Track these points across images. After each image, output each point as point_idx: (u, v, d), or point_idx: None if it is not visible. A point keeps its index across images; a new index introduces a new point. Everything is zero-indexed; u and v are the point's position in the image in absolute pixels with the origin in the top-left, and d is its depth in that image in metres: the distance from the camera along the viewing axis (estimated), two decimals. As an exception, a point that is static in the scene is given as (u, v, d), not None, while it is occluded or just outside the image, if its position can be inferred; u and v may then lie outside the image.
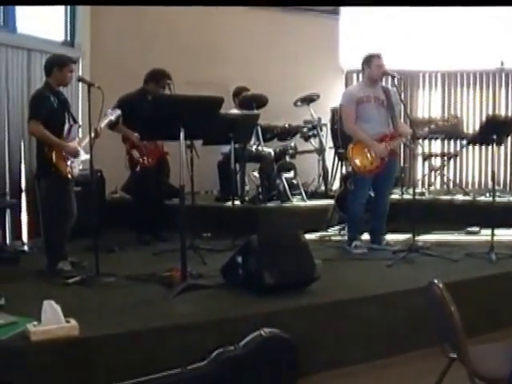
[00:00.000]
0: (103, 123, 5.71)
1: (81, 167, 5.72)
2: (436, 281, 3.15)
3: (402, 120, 6.87)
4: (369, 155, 6.21)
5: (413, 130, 6.21)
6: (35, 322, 3.76)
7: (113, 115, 5.95)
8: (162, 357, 3.86)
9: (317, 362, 4.36)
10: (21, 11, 7.21)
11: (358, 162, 6.26)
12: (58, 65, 5.57)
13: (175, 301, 4.61)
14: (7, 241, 6.66)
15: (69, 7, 8.09)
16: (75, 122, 5.77)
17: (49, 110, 5.47)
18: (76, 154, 5.54)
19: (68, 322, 3.80)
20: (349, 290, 4.97)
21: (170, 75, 6.70)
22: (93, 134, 5.45)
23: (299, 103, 8.87)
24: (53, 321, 3.75)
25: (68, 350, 3.71)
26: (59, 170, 5.44)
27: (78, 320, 3.82)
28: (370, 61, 6.31)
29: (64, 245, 5.61)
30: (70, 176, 5.53)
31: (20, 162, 7.02)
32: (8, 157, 6.88)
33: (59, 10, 8.07)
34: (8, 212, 6.76)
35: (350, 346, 4.57)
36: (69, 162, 5.52)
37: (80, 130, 5.95)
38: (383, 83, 6.66)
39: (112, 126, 6.65)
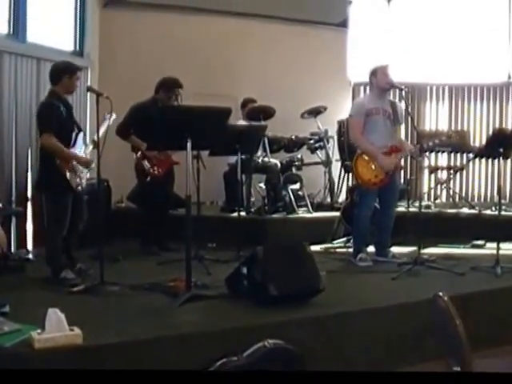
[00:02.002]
0: (102, 129, 5.67)
1: (88, 176, 5.73)
2: (441, 294, 3.13)
3: (410, 132, 6.87)
4: (374, 168, 6.21)
5: (420, 143, 6.22)
6: (39, 330, 3.75)
7: (110, 119, 5.90)
8: (165, 366, 3.85)
9: (320, 374, 4.34)
10: (31, 20, 7.25)
11: (362, 174, 6.27)
12: (68, 73, 5.58)
13: (179, 311, 4.61)
14: (12, 249, 6.67)
15: (78, 16, 8.13)
16: (80, 129, 5.77)
17: (59, 120, 5.48)
18: (89, 165, 5.56)
19: (72, 330, 3.79)
20: (353, 303, 4.95)
21: (181, 84, 6.69)
22: (91, 147, 5.46)
23: (306, 115, 8.89)
24: (57, 329, 3.75)
25: (71, 359, 3.70)
26: (70, 183, 5.47)
27: (82, 328, 3.82)
28: (375, 71, 6.34)
29: (60, 255, 5.62)
30: (80, 188, 5.56)
31: (27, 171, 7.04)
32: (15, 165, 6.90)
33: (69, 20, 8.12)
34: (13, 220, 6.77)
35: (353, 358, 4.55)
36: (78, 174, 5.53)
37: (86, 138, 5.97)
38: (391, 96, 6.67)
39: (124, 135, 6.68)
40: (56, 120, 5.45)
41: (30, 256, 6.68)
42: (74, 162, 5.50)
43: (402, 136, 6.82)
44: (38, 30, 7.34)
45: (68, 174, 5.46)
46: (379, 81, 6.33)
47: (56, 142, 5.40)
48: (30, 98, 7.00)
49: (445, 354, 3.29)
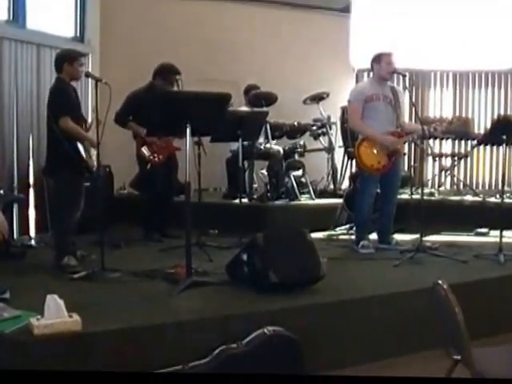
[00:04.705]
0: None
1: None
2: (440, 281, 3.11)
3: (413, 119, 6.82)
4: (376, 153, 6.18)
5: (422, 130, 6.17)
6: (38, 316, 3.75)
7: None
8: (164, 353, 3.85)
9: (320, 362, 4.32)
10: (31, 6, 7.22)
11: (364, 160, 6.23)
12: (68, 60, 5.60)
13: (179, 297, 4.60)
14: (14, 235, 6.66)
15: (79, 2, 8.09)
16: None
17: (72, 103, 5.56)
18: (95, 146, 5.56)
19: (71, 316, 3.79)
20: (354, 290, 4.94)
21: (178, 70, 6.64)
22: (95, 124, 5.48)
23: (309, 101, 8.85)
24: (55, 315, 3.74)
25: (70, 345, 3.70)
26: (88, 164, 5.52)
27: (82, 315, 3.81)
28: (379, 58, 6.28)
29: (71, 240, 5.63)
30: (94, 169, 5.60)
31: (28, 157, 7.03)
32: (16, 152, 6.89)
33: (69, 6, 8.07)
34: (16, 207, 6.77)
35: (353, 345, 4.53)
36: (91, 155, 5.61)
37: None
38: (394, 82, 6.63)
39: (122, 122, 6.67)
40: (71, 104, 5.54)
41: (32, 242, 6.71)
42: (87, 144, 5.57)
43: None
44: (38, 16, 7.31)
45: (85, 156, 5.52)
46: (382, 69, 6.28)
47: (73, 124, 5.47)
48: (30, 84, 6.99)
49: (445, 342, 3.28)
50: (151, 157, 6.69)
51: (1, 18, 6.94)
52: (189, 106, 4.84)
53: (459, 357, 3.15)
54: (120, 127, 6.70)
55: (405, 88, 6.78)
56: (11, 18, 7.03)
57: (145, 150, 6.69)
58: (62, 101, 5.51)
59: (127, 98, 6.73)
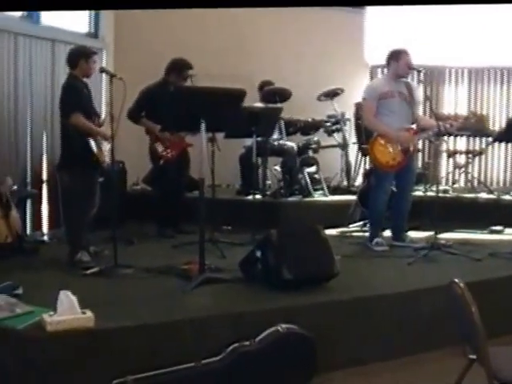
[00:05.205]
0: None
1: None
2: (457, 280, 3.08)
3: (428, 116, 6.78)
4: (391, 150, 6.14)
5: (438, 125, 6.13)
6: (51, 312, 3.76)
7: None
8: (177, 350, 3.84)
9: (333, 360, 4.31)
10: (45, 2, 7.21)
11: (379, 157, 6.20)
12: (85, 56, 5.65)
13: (192, 294, 4.59)
14: (27, 231, 6.67)
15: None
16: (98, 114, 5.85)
17: (84, 100, 5.58)
18: (109, 139, 5.55)
19: (84, 313, 3.79)
20: (368, 287, 4.92)
21: (191, 65, 6.63)
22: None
23: (323, 97, 8.82)
24: (68, 311, 3.75)
25: (83, 341, 3.70)
26: (99, 159, 5.54)
27: (94, 311, 3.81)
28: (398, 56, 6.22)
29: (84, 235, 5.63)
30: (105, 164, 5.61)
31: (42, 153, 7.03)
32: (30, 147, 6.89)
33: (84, 1, 8.06)
34: (29, 202, 6.77)
35: (367, 343, 4.51)
36: (103, 150, 5.61)
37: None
38: (408, 78, 6.58)
39: (135, 119, 6.66)
40: (83, 100, 5.56)
41: (45, 238, 6.73)
42: (100, 139, 5.58)
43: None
44: (52, 12, 7.29)
45: (96, 151, 5.53)
46: (400, 68, 6.23)
47: (85, 120, 5.49)
48: (44, 80, 6.97)
49: (460, 341, 3.25)
50: (164, 153, 6.67)
51: (15, 14, 6.93)
52: (203, 102, 4.82)
53: (475, 356, 3.12)
54: (133, 123, 6.69)
55: (419, 82, 6.74)
56: (26, 13, 7.02)
57: (158, 146, 6.67)
58: (73, 98, 5.53)
59: (140, 94, 6.72)
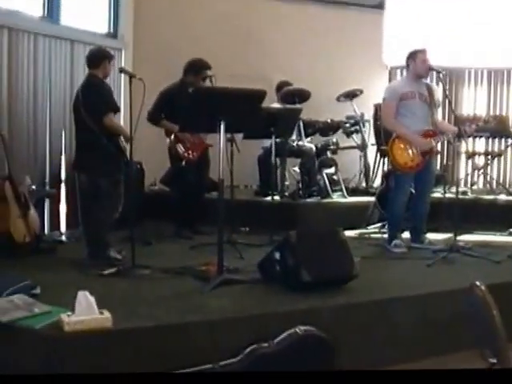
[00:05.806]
0: None
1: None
2: (478, 283, 3.04)
3: (447, 117, 6.75)
4: (410, 151, 6.11)
5: (458, 128, 6.09)
6: (69, 313, 3.75)
7: None
8: (195, 351, 3.82)
9: (350, 362, 4.27)
10: (65, 2, 7.25)
11: (398, 158, 6.17)
12: (108, 58, 5.74)
13: (210, 295, 4.57)
14: (45, 231, 6.69)
15: (112, -2, 8.13)
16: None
17: (114, 99, 5.70)
18: (129, 139, 5.56)
19: (102, 313, 3.78)
20: (387, 290, 4.89)
21: (209, 65, 6.63)
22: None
23: (342, 98, 8.79)
24: (86, 312, 3.74)
25: (100, 342, 3.69)
26: (127, 158, 5.56)
27: (112, 312, 3.80)
28: (414, 56, 6.22)
29: (103, 235, 5.63)
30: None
31: (60, 153, 7.06)
32: (49, 147, 6.92)
33: (103, 1, 8.10)
34: (47, 202, 6.80)
35: (385, 346, 4.48)
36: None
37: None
38: (428, 79, 6.55)
39: (156, 121, 6.67)
40: (114, 100, 5.67)
41: (63, 238, 6.74)
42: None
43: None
44: (71, 12, 7.33)
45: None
46: (418, 67, 6.22)
47: (116, 121, 5.66)
48: (64, 80, 7.01)
49: (480, 344, 3.21)
50: (186, 154, 6.67)
51: (35, 15, 6.97)
52: (223, 102, 4.80)
53: (495, 360, 3.08)
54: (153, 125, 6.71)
55: (438, 82, 6.70)
56: (45, 14, 7.06)
57: (179, 147, 6.66)
58: (108, 97, 5.60)
59: (159, 95, 6.73)
